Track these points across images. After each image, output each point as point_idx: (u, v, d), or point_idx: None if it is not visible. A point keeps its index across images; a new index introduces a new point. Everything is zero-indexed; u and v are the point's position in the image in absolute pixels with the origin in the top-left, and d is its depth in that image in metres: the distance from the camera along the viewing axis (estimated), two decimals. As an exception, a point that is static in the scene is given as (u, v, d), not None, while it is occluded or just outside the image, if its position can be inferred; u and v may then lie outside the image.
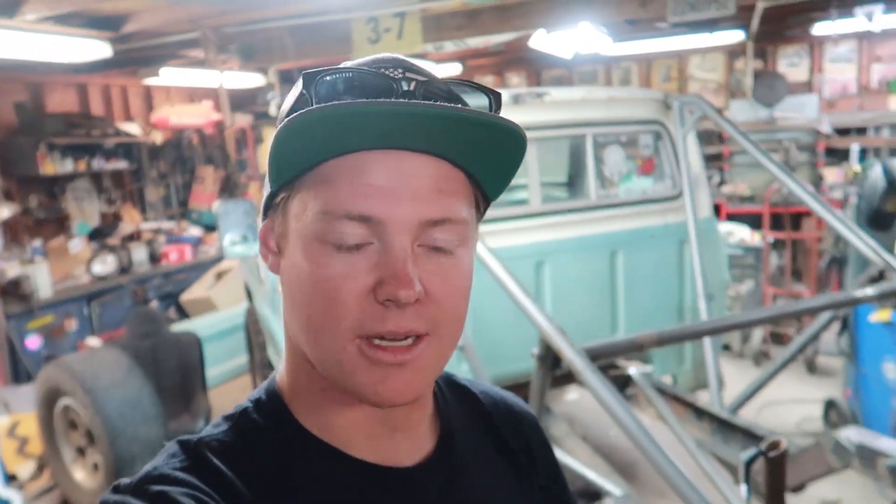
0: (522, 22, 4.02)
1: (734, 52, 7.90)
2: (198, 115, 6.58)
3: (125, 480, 0.56)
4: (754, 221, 6.24)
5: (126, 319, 4.74)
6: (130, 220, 6.45)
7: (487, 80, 8.61)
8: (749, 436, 2.68)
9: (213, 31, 4.12)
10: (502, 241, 2.92)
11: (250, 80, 7.09)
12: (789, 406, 4.55)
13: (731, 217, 6.86)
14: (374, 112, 0.52)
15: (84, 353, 3.97)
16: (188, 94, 7.30)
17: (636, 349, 1.77)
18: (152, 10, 4.12)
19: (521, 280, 2.86)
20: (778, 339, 5.54)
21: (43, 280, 5.13)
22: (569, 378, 3.21)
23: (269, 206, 0.61)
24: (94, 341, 4.97)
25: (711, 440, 2.82)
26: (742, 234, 5.98)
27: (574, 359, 1.64)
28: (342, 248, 0.55)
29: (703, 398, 3.22)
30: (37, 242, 5.66)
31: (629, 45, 6.24)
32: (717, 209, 7.01)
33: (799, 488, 2.43)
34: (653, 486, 3.06)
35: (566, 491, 0.82)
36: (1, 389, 4.67)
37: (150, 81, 6.33)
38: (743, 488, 1.38)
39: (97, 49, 4.28)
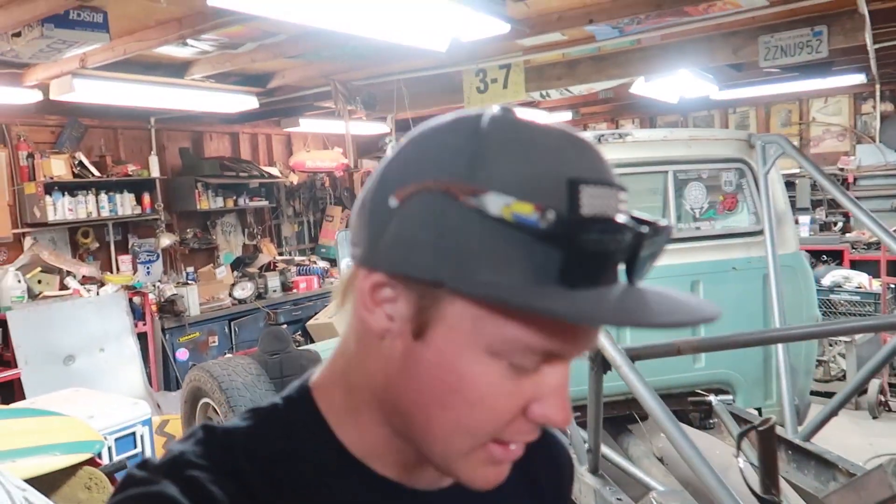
0: (618, 71, 4.30)
1: (861, 95, 7.65)
2: (329, 160, 7.31)
3: (153, 460, 0.57)
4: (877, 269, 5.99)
5: (259, 337, 5.38)
6: (268, 252, 7.23)
7: (601, 127, 8.84)
8: (821, 462, 2.72)
9: (342, 85, 4.71)
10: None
11: (375, 128, 7.81)
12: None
13: (855, 264, 6.59)
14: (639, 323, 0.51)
15: (222, 360, 4.56)
16: (322, 141, 8.11)
17: (674, 353, 1.95)
18: (293, 68, 4.80)
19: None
20: (897, 389, 5.26)
21: (193, 301, 5.92)
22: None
23: (395, 272, 0.54)
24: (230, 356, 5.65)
25: (787, 467, 2.87)
26: (860, 279, 5.76)
27: (614, 355, 1.88)
28: (516, 369, 0.54)
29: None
30: (190, 268, 6.52)
31: (741, 90, 6.29)
32: (839, 255, 6.79)
33: (866, 515, 2.45)
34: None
35: None
36: (154, 393, 5.41)
37: (291, 129, 7.13)
38: (740, 459, 1.55)
39: (247, 102, 5.02)
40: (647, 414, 3.92)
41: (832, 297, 5.77)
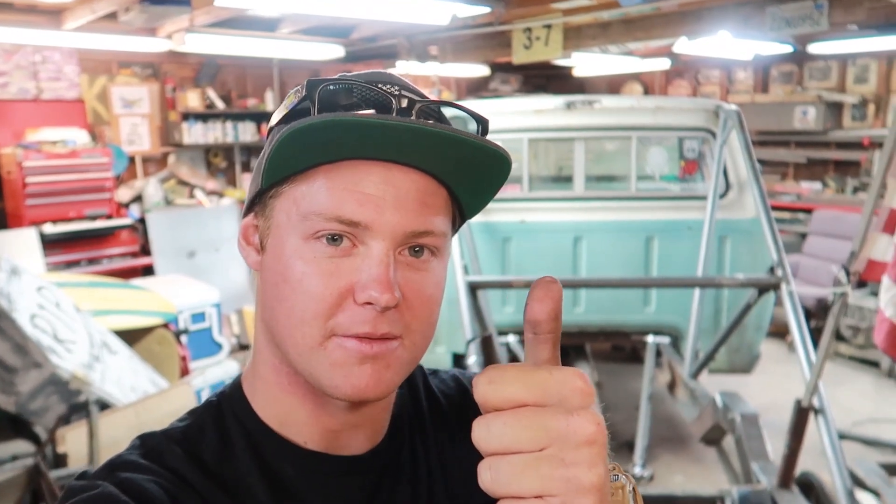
0: (643, 34, 4.57)
1: None
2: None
3: (90, 469, 0.59)
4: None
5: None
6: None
7: (714, 74, 8.73)
8: (696, 396, 3.18)
9: (406, 39, 5.40)
10: (547, 216, 3.72)
11: (480, 70, 8.38)
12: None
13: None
14: (375, 125, 0.53)
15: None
16: (431, 81, 8.83)
17: (506, 286, 2.53)
18: (368, 24, 5.55)
19: (560, 250, 3.69)
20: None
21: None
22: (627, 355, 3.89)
23: (255, 203, 0.63)
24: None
25: (684, 399, 3.35)
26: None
27: (459, 283, 2.51)
28: (328, 248, 0.57)
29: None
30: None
31: (826, 44, 6.09)
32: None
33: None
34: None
35: None
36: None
37: (392, 70, 7.94)
38: (472, 359, 2.14)
39: (334, 51, 5.88)
40: (597, 345, 4.44)
41: None
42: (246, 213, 0.65)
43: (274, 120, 0.62)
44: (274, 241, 0.60)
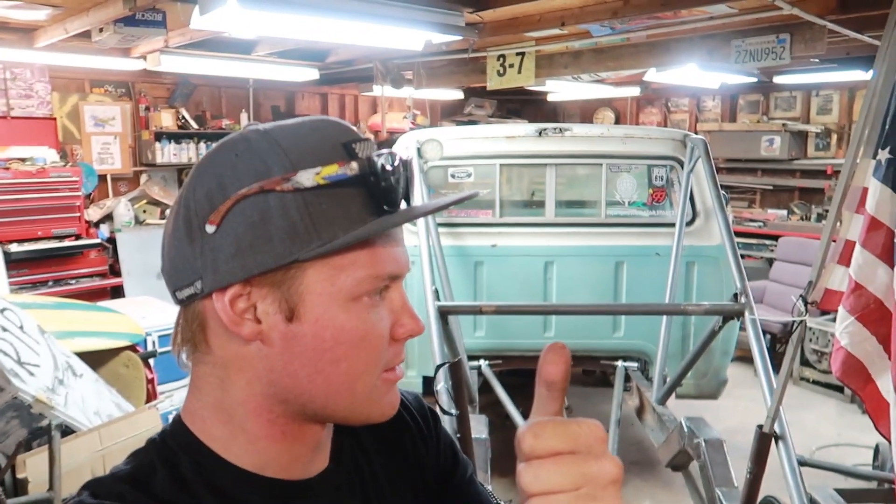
0: (614, 63, 4.68)
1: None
2: (399, 122, 8.11)
3: None
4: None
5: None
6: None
7: (674, 102, 8.93)
8: (663, 421, 3.21)
9: (381, 64, 5.45)
10: (518, 241, 3.76)
11: (454, 94, 8.47)
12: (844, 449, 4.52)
13: None
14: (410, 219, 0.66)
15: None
16: (406, 105, 8.90)
17: (477, 312, 2.56)
18: (344, 48, 5.59)
19: (531, 274, 3.72)
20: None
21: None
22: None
23: (252, 275, 0.60)
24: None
25: (652, 424, 3.38)
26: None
27: (430, 310, 2.53)
28: (370, 302, 0.63)
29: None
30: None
31: (791, 76, 6.29)
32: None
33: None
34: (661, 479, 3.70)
35: (468, 472, 0.87)
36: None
37: (367, 94, 8.00)
38: (440, 385, 2.15)
39: (309, 73, 5.90)
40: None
41: None
42: (219, 285, 0.60)
43: (308, 181, 0.59)
44: (316, 309, 0.62)
